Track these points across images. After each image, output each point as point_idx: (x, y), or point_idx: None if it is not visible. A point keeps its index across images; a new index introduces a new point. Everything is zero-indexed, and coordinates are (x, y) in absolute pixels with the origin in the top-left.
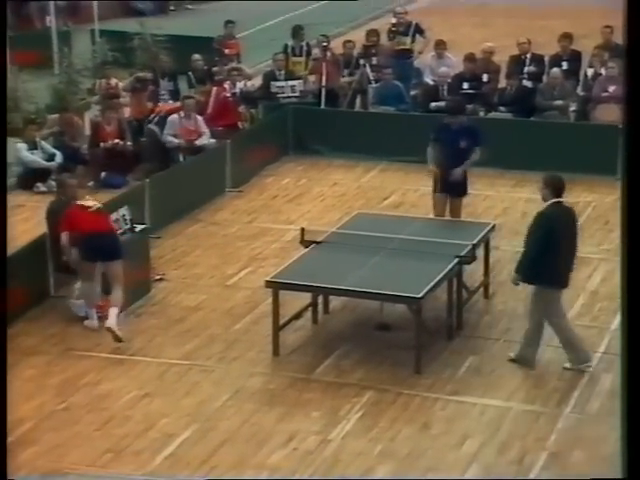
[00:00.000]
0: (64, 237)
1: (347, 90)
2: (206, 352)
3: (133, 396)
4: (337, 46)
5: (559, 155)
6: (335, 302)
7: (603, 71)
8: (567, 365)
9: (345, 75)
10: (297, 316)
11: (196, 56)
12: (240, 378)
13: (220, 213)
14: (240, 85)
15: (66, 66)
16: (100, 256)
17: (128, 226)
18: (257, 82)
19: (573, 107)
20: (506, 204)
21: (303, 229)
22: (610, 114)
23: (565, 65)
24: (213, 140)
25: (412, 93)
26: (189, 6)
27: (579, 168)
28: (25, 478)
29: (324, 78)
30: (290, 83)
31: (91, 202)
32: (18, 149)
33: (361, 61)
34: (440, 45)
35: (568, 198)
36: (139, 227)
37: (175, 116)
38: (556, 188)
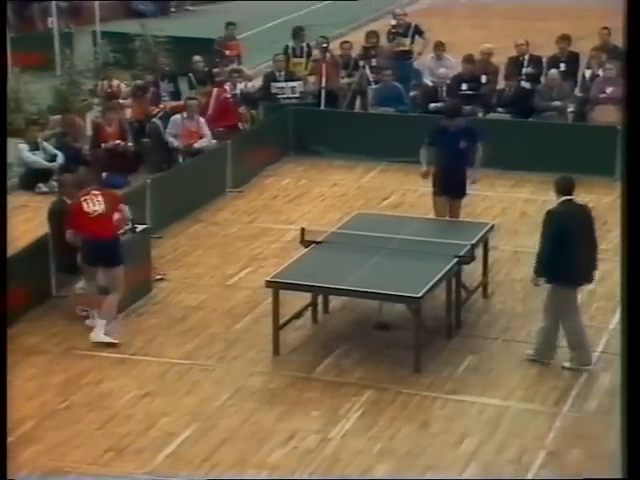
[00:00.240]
0: (69, 234)
1: (347, 91)
2: (207, 351)
3: (134, 395)
4: (337, 47)
5: (557, 156)
6: (335, 302)
7: (601, 72)
8: (566, 364)
9: (344, 76)
10: (297, 316)
11: (197, 57)
12: (240, 377)
13: (221, 213)
14: (240, 86)
15: (68, 67)
16: (98, 262)
17: (129, 226)
18: (257, 83)
19: (571, 108)
20: (505, 204)
21: (303, 229)
22: (608, 115)
23: (563, 66)
24: (214, 141)
25: (411, 94)
26: (190, 7)
27: (577, 169)
28: (25, 478)
29: (324, 79)
30: (290, 84)
31: (94, 206)
32: (20, 150)
33: (361, 62)
34: (439, 46)
35: None
36: (140, 227)
37: (178, 116)
38: (564, 187)
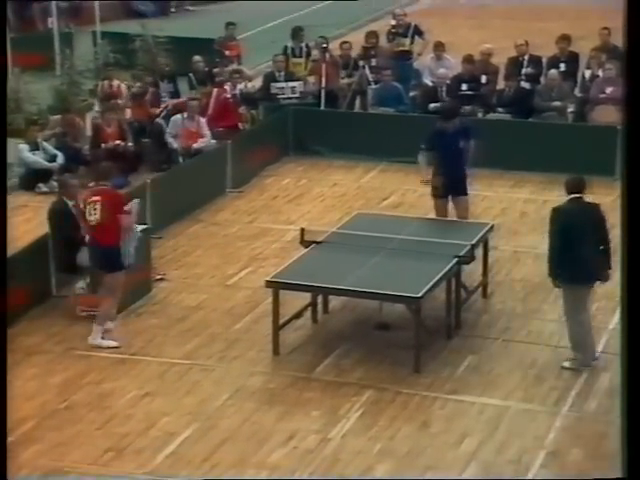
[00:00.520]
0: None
1: (347, 91)
2: (207, 351)
3: (134, 395)
4: (337, 47)
5: (557, 156)
6: (335, 302)
7: (600, 73)
8: (566, 364)
9: (344, 76)
10: (297, 316)
11: (197, 57)
12: (240, 377)
13: (221, 213)
14: (240, 86)
15: (68, 67)
16: (97, 267)
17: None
18: (257, 83)
19: (571, 108)
20: (504, 204)
21: (303, 229)
22: (607, 115)
23: (563, 67)
24: (213, 141)
25: (411, 94)
26: (190, 7)
27: (577, 169)
28: (25, 478)
29: (324, 79)
30: (290, 84)
31: (90, 216)
32: (20, 150)
33: (360, 62)
34: (439, 47)
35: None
36: (140, 227)
37: (178, 116)
38: (574, 186)
